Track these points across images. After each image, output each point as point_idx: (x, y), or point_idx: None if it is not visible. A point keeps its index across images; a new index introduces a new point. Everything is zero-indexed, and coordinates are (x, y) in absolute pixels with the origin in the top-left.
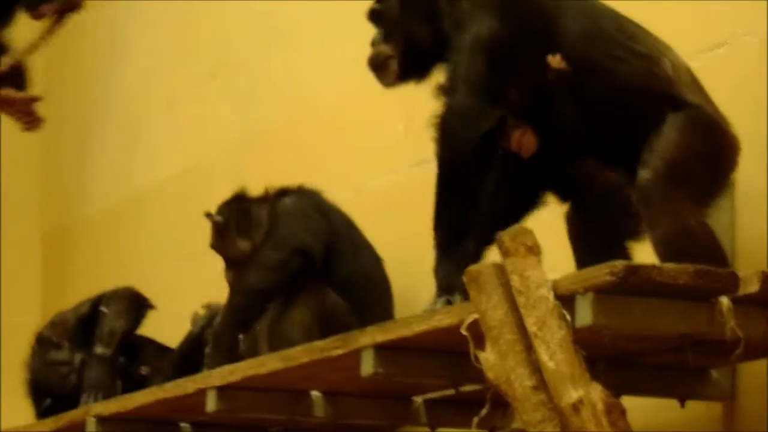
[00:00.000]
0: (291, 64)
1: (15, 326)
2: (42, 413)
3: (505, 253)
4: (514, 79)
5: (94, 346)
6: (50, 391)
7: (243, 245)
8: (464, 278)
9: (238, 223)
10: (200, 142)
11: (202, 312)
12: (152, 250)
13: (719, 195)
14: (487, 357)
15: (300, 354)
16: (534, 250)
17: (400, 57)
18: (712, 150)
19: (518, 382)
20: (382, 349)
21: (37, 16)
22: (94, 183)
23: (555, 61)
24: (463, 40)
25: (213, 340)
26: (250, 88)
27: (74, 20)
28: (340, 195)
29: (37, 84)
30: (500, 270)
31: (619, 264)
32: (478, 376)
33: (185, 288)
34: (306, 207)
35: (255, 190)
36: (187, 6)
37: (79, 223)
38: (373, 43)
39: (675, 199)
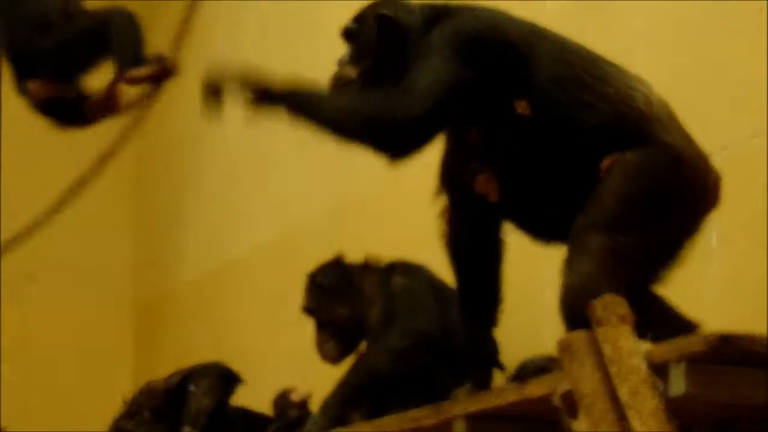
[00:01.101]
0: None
1: (107, 394)
2: None
3: (597, 322)
4: (476, 121)
5: (181, 425)
6: None
7: (341, 311)
8: (557, 347)
9: (339, 287)
10: (292, 211)
11: (293, 398)
12: (244, 318)
13: (684, 235)
14: (580, 426)
15: (392, 423)
16: (626, 319)
17: (362, 83)
18: (668, 193)
19: None
20: (473, 419)
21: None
22: (186, 252)
23: (520, 106)
24: (426, 63)
25: (322, 406)
26: (342, 158)
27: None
28: (430, 264)
29: (130, 153)
30: (592, 339)
31: (713, 334)
32: None
33: (277, 356)
34: (421, 288)
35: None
36: None
37: (172, 292)
38: (340, 62)
39: (597, 247)
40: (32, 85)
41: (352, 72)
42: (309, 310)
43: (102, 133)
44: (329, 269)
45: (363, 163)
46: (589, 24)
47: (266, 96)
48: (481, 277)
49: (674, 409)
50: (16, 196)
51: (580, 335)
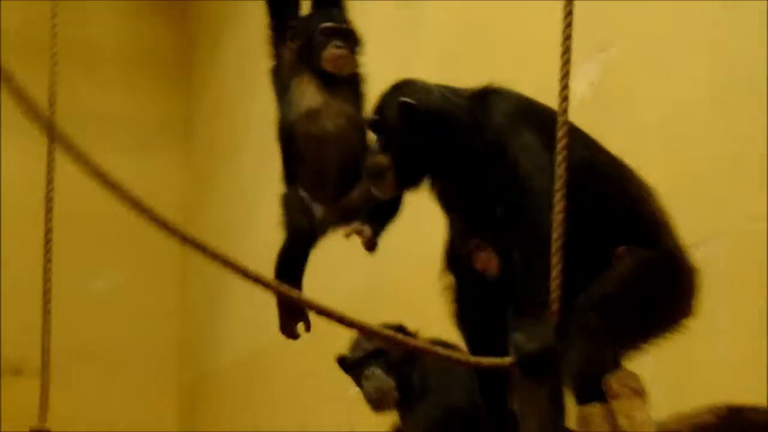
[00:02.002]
0: (413, 224)
1: None
2: None
3: (614, 396)
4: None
5: None
6: None
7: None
8: (576, 419)
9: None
10: (327, 293)
11: None
12: (280, 398)
13: (659, 334)
14: None
15: None
16: (638, 392)
17: (396, 169)
18: (665, 294)
19: None
20: None
21: None
22: (226, 338)
23: None
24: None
25: None
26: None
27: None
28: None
29: (175, 244)
30: (608, 412)
31: (722, 406)
32: None
33: None
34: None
35: None
36: None
37: (213, 374)
38: (371, 152)
39: (593, 328)
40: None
41: (384, 160)
42: (383, 351)
43: None
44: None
45: (395, 248)
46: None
47: None
48: (490, 348)
49: None
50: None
51: (596, 408)
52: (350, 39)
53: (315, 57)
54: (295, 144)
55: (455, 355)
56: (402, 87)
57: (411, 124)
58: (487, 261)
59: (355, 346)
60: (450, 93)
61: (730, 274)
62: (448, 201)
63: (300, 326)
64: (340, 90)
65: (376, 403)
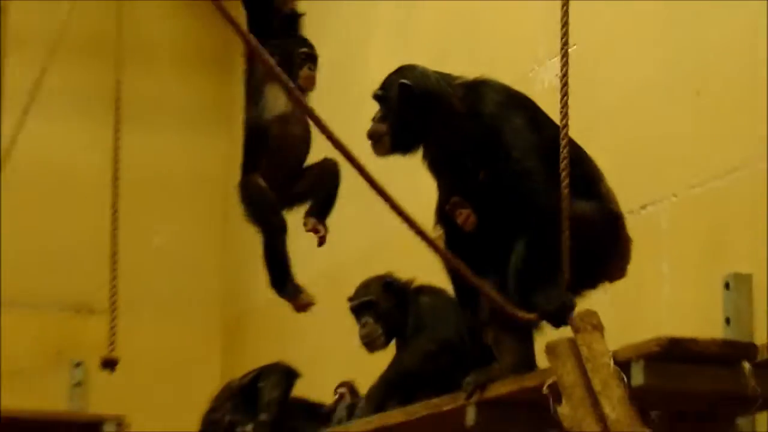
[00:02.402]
0: (411, 187)
1: (200, 393)
2: None
3: (576, 330)
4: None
5: (258, 413)
6: None
7: (395, 311)
8: (545, 350)
9: (399, 293)
10: (340, 247)
11: (341, 390)
12: (306, 331)
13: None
14: (563, 410)
15: (419, 409)
16: (598, 327)
17: (391, 136)
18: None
19: (588, 430)
20: (482, 405)
21: None
22: (262, 280)
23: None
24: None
25: (366, 397)
26: (379, 205)
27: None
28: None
29: (216, 198)
30: (572, 343)
31: (664, 338)
32: (557, 424)
33: (329, 361)
34: (443, 306)
35: None
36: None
37: (250, 311)
38: (374, 119)
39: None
40: None
41: (382, 128)
42: (372, 302)
43: None
44: (394, 279)
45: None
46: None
47: None
48: (469, 288)
49: (635, 396)
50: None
51: (563, 340)
52: (316, 63)
53: (292, 74)
54: (265, 141)
55: (504, 303)
56: (405, 70)
57: (406, 102)
58: (466, 217)
59: (354, 295)
60: (446, 79)
61: (671, 230)
62: (437, 167)
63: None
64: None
65: (367, 345)
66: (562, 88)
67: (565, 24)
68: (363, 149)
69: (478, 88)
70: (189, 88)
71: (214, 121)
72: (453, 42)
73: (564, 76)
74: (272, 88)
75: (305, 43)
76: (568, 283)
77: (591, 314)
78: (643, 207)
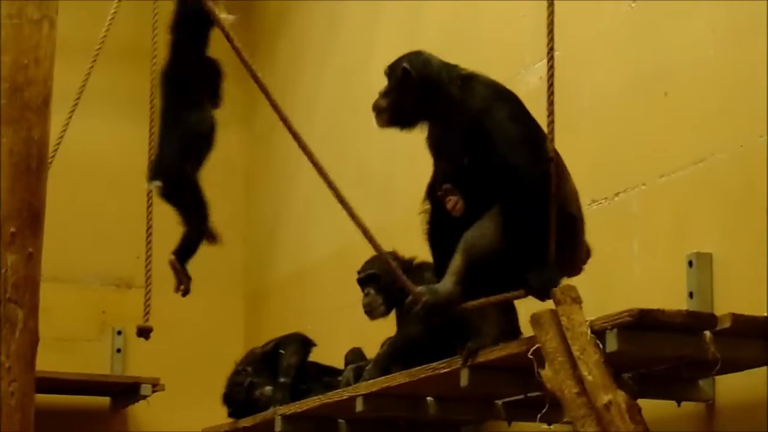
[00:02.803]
0: (415, 174)
1: (225, 360)
2: (229, 415)
3: (557, 302)
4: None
5: (278, 376)
6: (232, 401)
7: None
8: (529, 320)
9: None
10: (349, 228)
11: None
12: (319, 303)
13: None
14: (546, 373)
15: (419, 372)
16: (576, 300)
17: (389, 111)
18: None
19: (567, 390)
20: (474, 368)
21: None
22: (281, 256)
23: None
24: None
25: (373, 361)
26: (383, 192)
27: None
28: None
29: (240, 179)
30: (554, 314)
31: (635, 309)
32: (540, 385)
33: (340, 330)
34: None
35: None
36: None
37: (270, 286)
38: (380, 93)
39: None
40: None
41: (384, 102)
42: (376, 275)
43: None
44: (396, 255)
45: (399, 194)
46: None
47: None
48: (447, 261)
49: (610, 360)
50: None
51: (545, 312)
52: None
53: None
54: None
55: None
56: (412, 54)
57: (406, 84)
58: (455, 203)
59: (361, 269)
60: (447, 69)
61: (641, 215)
62: (434, 148)
63: None
64: None
65: (368, 313)
66: (548, 88)
67: (550, 32)
68: (366, 146)
69: (469, 81)
70: None
71: (239, 117)
72: (448, 45)
73: (550, 78)
74: None
75: None
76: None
77: (570, 288)
78: (617, 194)
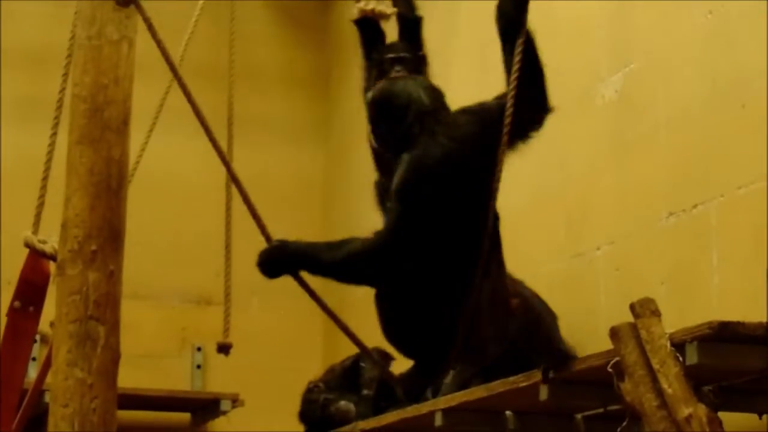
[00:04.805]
0: None
1: (304, 374)
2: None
3: (636, 315)
4: None
5: (360, 389)
6: (308, 419)
7: None
8: (609, 333)
9: None
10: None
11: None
12: None
13: None
14: (626, 386)
15: (498, 386)
16: (656, 313)
17: (379, 150)
18: None
19: (647, 403)
20: (553, 382)
21: None
22: None
23: None
24: None
25: (453, 375)
26: None
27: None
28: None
29: (317, 172)
30: (634, 327)
31: (715, 321)
32: (619, 399)
33: None
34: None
35: None
36: None
37: (350, 300)
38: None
39: None
40: None
41: (373, 142)
42: None
43: None
44: None
45: None
46: (627, 113)
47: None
48: None
49: (690, 373)
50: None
51: (625, 325)
52: (408, 63)
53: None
54: None
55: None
56: (379, 87)
57: (376, 118)
58: None
59: None
60: (414, 103)
61: (720, 227)
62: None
63: None
64: None
65: None
66: (508, 104)
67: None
68: None
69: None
70: (291, 107)
71: (313, 136)
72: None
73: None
74: None
75: (394, 47)
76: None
77: (649, 301)
78: (695, 206)
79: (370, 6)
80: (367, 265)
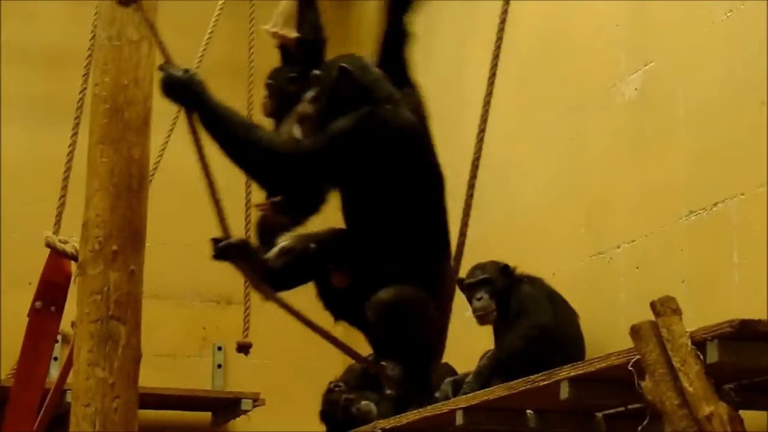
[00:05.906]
0: (502, 188)
1: (323, 375)
2: None
3: (657, 313)
4: None
5: (382, 389)
6: (330, 419)
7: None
8: (630, 332)
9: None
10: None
11: None
12: None
13: None
14: (646, 384)
15: (519, 384)
16: (677, 311)
17: (315, 119)
18: None
19: (668, 402)
20: (574, 381)
21: None
22: None
23: None
24: None
25: (474, 374)
26: (477, 203)
27: None
28: (542, 276)
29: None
30: (654, 325)
31: (736, 320)
32: (640, 398)
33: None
34: (541, 294)
35: None
36: None
37: None
38: (303, 100)
39: None
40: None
41: (310, 109)
42: (490, 280)
43: None
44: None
45: (487, 209)
46: (647, 110)
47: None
48: None
49: (711, 371)
50: None
51: (645, 323)
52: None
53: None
54: None
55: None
56: (346, 57)
57: (341, 87)
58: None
59: (471, 273)
60: (383, 80)
61: (740, 224)
62: None
63: None
64: None
65: (481, 318)
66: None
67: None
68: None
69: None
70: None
71: None
72: (544, 59)
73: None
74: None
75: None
76: None
77: (670, 299)
78: (715, 204)
79: (274, 29)
80: (272, 163)
